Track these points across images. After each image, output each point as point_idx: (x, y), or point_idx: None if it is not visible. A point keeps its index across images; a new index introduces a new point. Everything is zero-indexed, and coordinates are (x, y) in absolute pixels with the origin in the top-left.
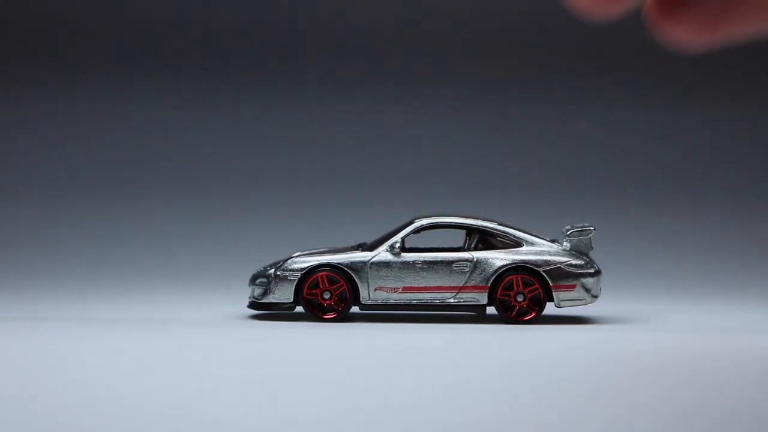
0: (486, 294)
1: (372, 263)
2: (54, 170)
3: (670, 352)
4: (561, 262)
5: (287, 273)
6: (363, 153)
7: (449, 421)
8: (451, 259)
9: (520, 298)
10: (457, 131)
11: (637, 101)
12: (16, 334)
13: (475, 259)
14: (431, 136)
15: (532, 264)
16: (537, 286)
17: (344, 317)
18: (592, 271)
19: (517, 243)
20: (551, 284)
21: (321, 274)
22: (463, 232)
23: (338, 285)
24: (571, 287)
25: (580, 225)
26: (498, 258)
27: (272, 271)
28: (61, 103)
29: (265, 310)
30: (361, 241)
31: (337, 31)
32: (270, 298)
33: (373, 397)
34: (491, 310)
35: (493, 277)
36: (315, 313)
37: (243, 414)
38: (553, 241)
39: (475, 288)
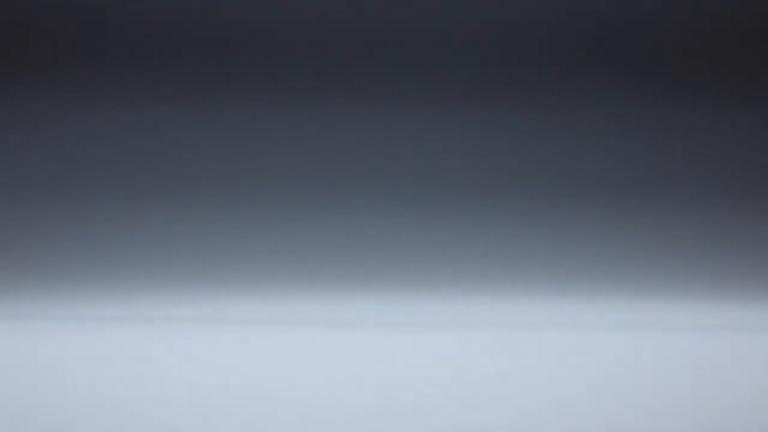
0: None
1: None
2: (51, 170)
3: (670, 352)
4: None
5: None
6: (363, 153)
7: (447, 421)
8: None
9: None
10: (457, 132)
11: (636, 101)
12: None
13: None
14: (434, 136)
15: None
16: None
17: None
18: None
19: None
20: None
21: None
22: None
23: None
24: None
25: None
26: None
27: None
28: (58, 101)
29: None
30: None
31: (339, 30)
32: None
33: (371, 397)
34: None
35: None
36: None
37: (243, 415)
38: None
39: None
